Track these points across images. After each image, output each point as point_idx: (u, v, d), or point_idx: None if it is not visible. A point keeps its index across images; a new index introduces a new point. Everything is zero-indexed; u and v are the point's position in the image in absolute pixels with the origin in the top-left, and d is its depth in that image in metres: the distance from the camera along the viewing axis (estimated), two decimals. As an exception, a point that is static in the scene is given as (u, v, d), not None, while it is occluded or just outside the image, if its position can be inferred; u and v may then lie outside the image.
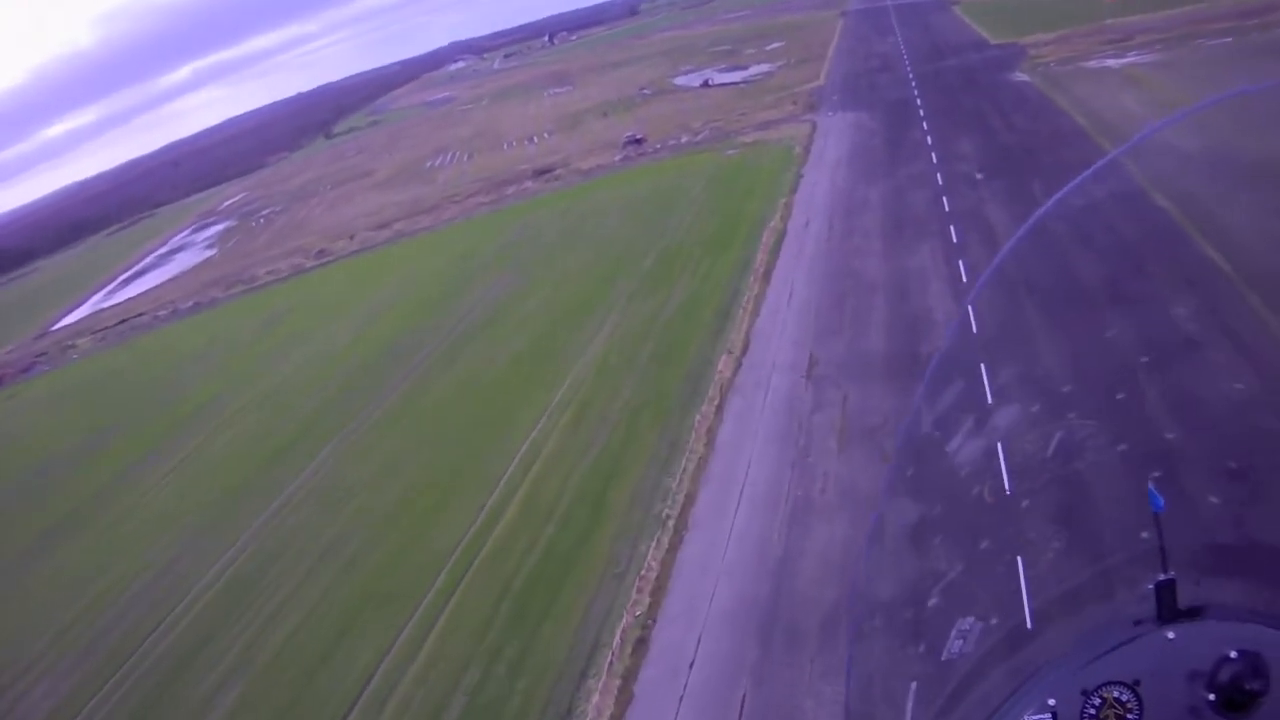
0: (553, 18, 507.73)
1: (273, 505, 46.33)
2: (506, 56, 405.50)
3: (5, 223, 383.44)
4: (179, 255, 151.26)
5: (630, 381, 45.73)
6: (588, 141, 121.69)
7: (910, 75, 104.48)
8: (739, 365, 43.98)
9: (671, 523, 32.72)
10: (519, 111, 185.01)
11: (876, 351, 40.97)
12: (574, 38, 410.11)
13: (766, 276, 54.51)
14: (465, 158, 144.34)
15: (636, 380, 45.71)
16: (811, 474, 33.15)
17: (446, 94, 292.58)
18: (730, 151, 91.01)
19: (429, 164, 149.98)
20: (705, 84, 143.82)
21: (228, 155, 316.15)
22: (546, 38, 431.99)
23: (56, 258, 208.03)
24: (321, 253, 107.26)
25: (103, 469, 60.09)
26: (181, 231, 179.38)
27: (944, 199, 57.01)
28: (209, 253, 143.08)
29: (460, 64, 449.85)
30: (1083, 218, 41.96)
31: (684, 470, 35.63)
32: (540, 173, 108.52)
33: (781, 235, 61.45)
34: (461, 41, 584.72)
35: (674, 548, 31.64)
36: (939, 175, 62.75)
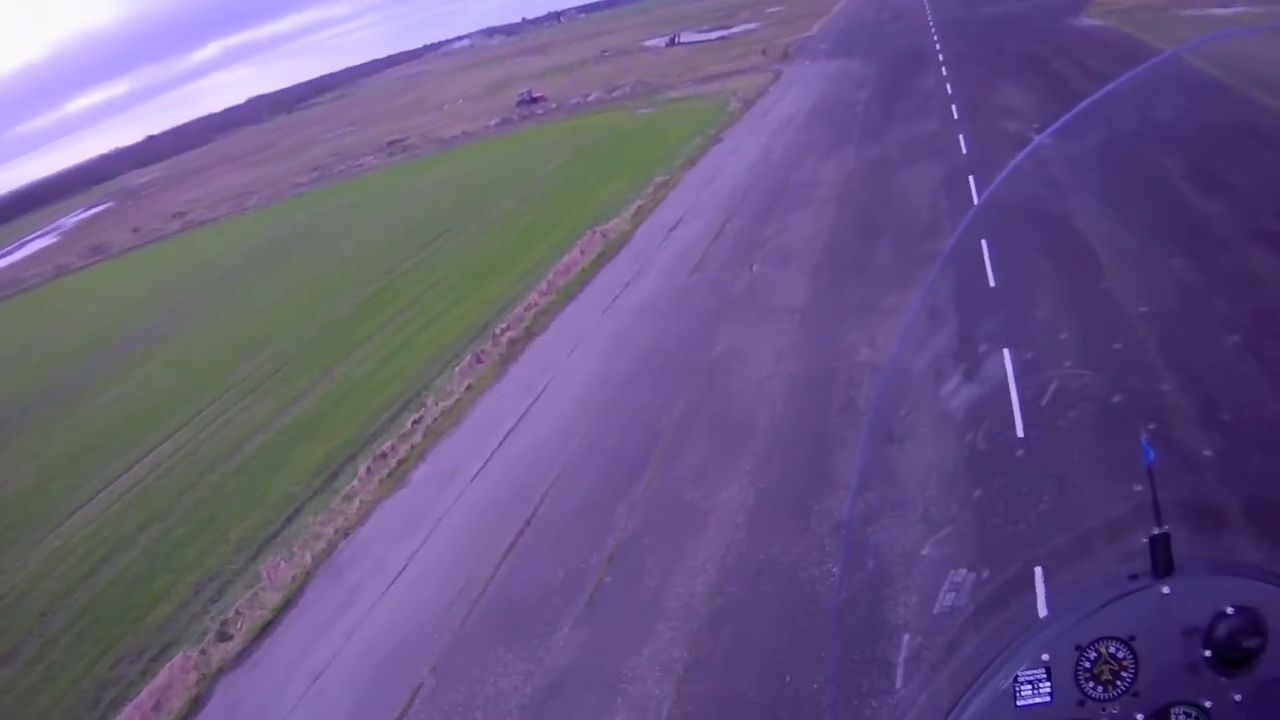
0: (581, 6, 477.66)
1: None
2: (508, 35, 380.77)
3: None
4: (34, 243, 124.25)
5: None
6: (492, 106, 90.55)
7: (930, 23, 70.59)
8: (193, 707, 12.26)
9: None
10: (465, 79, 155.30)
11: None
12: (582, 16, 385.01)
13: (513, 352, 22.56)
14: (359, 130, 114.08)
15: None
16: None
17: (422, 68, 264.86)
18: (644, 110, 59.15)
19: (322, 138, 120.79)
20: (671, 42, 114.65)
21: (199, 130, 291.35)
22: (558, 18, 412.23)
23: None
24: (96, 249, 78.65)
25: None
26: (70, 215, 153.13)
27: (970, 180, 25.02)
28: (56, 240, 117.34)
29: (465, 42, 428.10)
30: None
31: None
32: (392, 144, 78.02)
33: (615, 248, 29.55)
34: (493, 27, 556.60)
35: None
36: (962, 139, 30.56)
